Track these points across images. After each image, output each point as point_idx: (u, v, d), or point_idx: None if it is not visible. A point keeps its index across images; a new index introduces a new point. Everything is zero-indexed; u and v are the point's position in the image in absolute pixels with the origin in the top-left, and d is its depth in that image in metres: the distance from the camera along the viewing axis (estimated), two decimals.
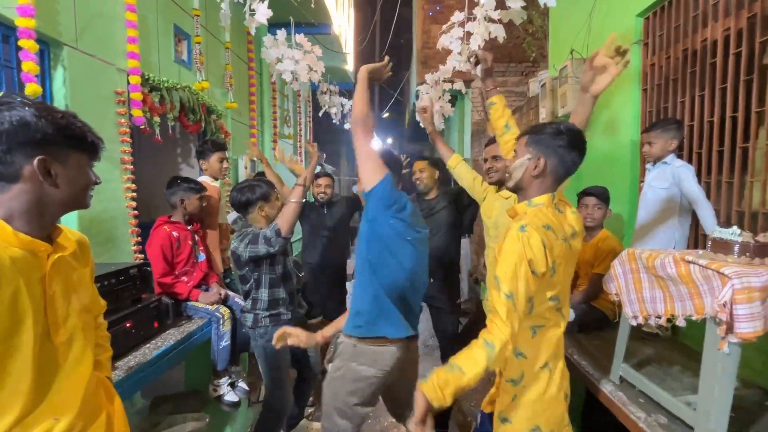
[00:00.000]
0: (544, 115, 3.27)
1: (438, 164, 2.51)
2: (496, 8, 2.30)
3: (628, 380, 1.43)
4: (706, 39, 1.88)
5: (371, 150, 1.36)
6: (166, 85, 2.52)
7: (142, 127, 2.28)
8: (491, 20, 2.41)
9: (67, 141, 0.81)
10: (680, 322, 1.18)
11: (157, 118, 2.44)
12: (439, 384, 1.02)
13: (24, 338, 0.75)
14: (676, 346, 1.76)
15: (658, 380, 1.37)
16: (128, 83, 2.24)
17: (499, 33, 2.47)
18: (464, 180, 2.20)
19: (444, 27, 2.74)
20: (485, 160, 2.07)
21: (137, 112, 2.25)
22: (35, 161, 0.77)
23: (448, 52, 2.92)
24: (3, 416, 0.74)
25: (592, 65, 1.40)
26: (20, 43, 1.60)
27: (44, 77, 1.80)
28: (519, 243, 1.05)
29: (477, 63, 1.73)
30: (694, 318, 1.13)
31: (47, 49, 1.81)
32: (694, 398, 1.18)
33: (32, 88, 1.64)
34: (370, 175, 1.33)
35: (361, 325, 1.36)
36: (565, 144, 1.15)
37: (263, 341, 1.76)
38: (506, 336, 1.01)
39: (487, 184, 2.11)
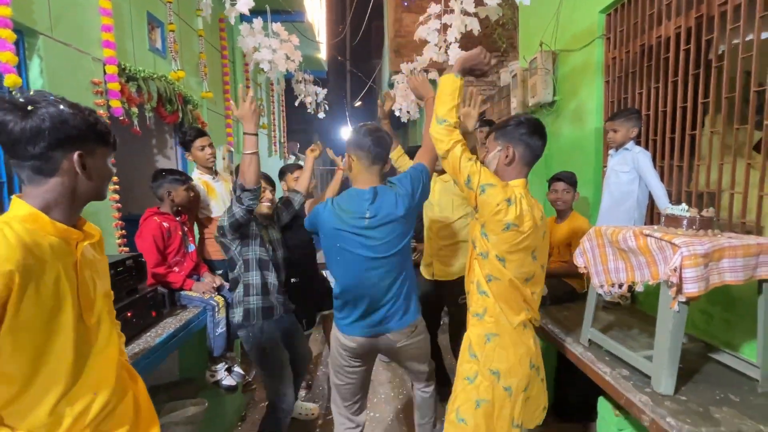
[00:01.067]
0: (515, 105, 3.45)
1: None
2: (474, 3, 2.41)
3: (596, 342, 1.62)
4: (661, 36, 2.08)
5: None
6: (142, 74, 2.47)
7: (121, 118, 2.24)
8: (467, 13, 2.51)
9: (95, 136, 0.86)
10: (639, 288, 1.36)
11: (135, 109, 2.40)
12: (457, 83, 1.33)
13: (64, 319, 0.81)
14: (634, 313, 1.99)
15: (620, 341, 1.57)
16: (105, 73, 2.19)
17: (475, 26, 2.58)
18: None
19: (421, 18, 2.82)
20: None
21: (116, 103, 2.20)
22: (74, 156, 0.82)
23: (423, 41, 2.99)
24: (50, 390, 0.80)
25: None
26: None
27: (20, 68, 1.75)
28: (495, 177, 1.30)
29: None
30: (650, 283, 1.31)
31: (22, 38, 1.75)
32: (650, 353, 1.37)
33: (12, 80, 1.60)
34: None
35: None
36: (527, 131, 1.32)
37: (259, 339, 1.77)
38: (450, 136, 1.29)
39: None
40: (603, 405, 1.66)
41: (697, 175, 1.94)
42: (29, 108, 0.78)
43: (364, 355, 1.59)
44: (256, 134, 1.63)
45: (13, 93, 0.84)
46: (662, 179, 2.04)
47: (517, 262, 1.28)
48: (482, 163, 1.38)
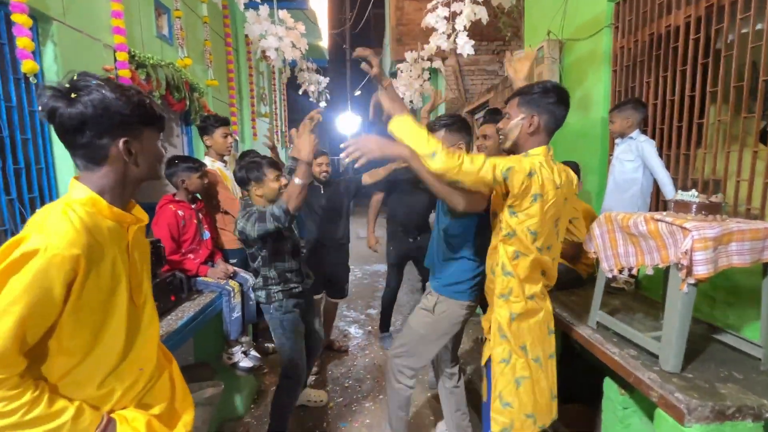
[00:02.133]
0: None
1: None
2: None
3: (604, 324, 1.68)
4: (670, 25, 2.10)
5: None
6: (151, 61, 2.47)
7: None
8: (476, 2, 2.52)
9: (140, 119, 0.85)
10: (648, 271, 1.41)
11: None
12: (409, 119, 1.26)
13: (119, 299, 0.84)
14: (639, 298, 2.04)
15: (627, 323, 1.62)
16: (115, 60, 2.19)
17: (483, 15, 2.59)
18: None
19: (429, 5, 2.82)
20: (477, 138, 2.23)
21: None
22: (120, 143, 0.82)
23: (426, 30, 2.99)
24: (103, 365, 0.84)
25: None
26: (14, 17, 1.55)
27: (35, 54, 1.75)
28: (510, 158, 1.27)
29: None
30: (660, 266, 1.36)
31: (36, 24, 1.75)
32: (657, 334, 1.43)
33: (29, 66, 1.61)
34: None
35: None
36: (554, 101, 1.30)
37: (279, 314, 1.86)
38: (441, 155, 1.21)
39: None
40: (609, 385, 1.73)
41: (703, 164, 1.98)
42: (73, 95, 0.77)
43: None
44: (310, 163, 1.66)
45: (68, 75, 0.83)
46: (669, 167, 2.08)
47: (546, 234, 1.31)
48: (500, 132, 1.40)
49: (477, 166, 1.22)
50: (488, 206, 1.50)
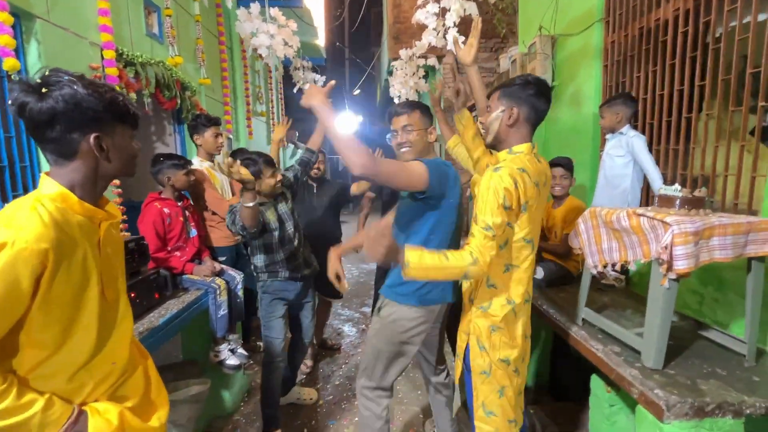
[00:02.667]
0: None
1: None
2: None
3: (590, 321, 1.66)
4: (659, 18, 2.07)
5: (395, 164, 1.32)
6: (140, 60, 2.46)
7: None
8: None
9: (113, 115, 0.85)
10: (632, 267, 1.39)
11: (133, 95, 2.40)
12: (423, 254, 1.13)
13: (90, 294, 0.84)
14: (629, 295, 2.03)
15: (613, 320, 1.60)
16: (102, 58, 2.19)
17: (473, 11, 2.57)
18: (462, 160, 2.34)
19: (419, 2, 2.79)
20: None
21: None
22: (91, 138, 0.82)
23: (422, 27, 2.98)
24: (74, 359, 0.85)
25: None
26: None
27: (18, 51, 1.75)
28: (491, 180, 1.17)
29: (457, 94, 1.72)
30: (642, 261, 1.34)
31: (19, 22, 1.75)
32: (641, 330, 1.41)
33: (10, 63, 1.61)
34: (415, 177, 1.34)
35: None
36: (534, 92, 1.27)
37: (260, 292, 2.00)
38: (474, 263, 1.12)
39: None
40: (596, 382, 1.72)
41: (693, 159, 1.95)
42: (44, 90, 0.77)
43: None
44: (253, 189, 1.69)
45: (35, 72, 0.83)
46: (658, 163, 2.06)
47: (535, 235, 1.30)
48: (482, 126, 1.37)
49: (497, 232, 1.15)
50: (445, 194, 1.44)
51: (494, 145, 1.36)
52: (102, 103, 0.82)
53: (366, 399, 1.60)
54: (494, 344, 1.32)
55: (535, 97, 1.27)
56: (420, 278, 1.22)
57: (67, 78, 0.80)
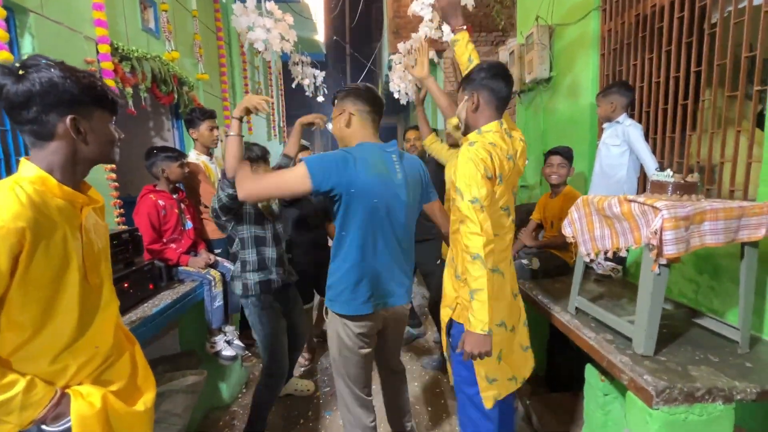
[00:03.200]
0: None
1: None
2: None
3: (583, 310, 1.65)
4: (656, 4, 2.04)
5: (273, 176, 1.35)
6: (136, 54, 2.47)
7: None
8: None
9: (91, 99, 0.86)
10: (623, 253, 1.38)
11: (129, 89, 2.41)
12: (476, 317, 1.17)
13: (71, 277, 0.85)
14: (625, 285, 2.01)
15: (608, 309, 1.59)
16: (97, 52, 2.20)
17: (469, 2, 2.55)
18: (442, 156, 2.38)
19: None
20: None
21: (109, 83, 2.21)
22: (67, 120, 0.83)
23: (420, 20, 2.96)
24: (56, 342, 0.85)
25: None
26: None
27: (11, 46, 1.76)
28: (469, 153, 1.24)
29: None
30: (633, 248, 1.33)
31: (12, 15, 1.76)
32: (633, 318, 1.40)
33: (3, 57, 1.62)
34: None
35: None
36: (488, 76, 1.33)
37: (257, 310, 1.81)
38: (483, 238, 1.16)
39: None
40: (590, 371, 1.70)
41: (689, 147, 1.93)
42: (21, 72, 0.79)
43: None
44: (240, 119, 1.52)
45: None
46: (655, 151, 2.04)
47: (510, 202, 1.36)
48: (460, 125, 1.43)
49: (484, 203, 1.19)
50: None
51: (466, 132, 1.43)
52: (79, 86, 0.83)
53: (343, 405, 1.55)
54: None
55: (490, 79, 1.34)
56: (486, 305, 1.18)
57: (44, 62, 0.81)
